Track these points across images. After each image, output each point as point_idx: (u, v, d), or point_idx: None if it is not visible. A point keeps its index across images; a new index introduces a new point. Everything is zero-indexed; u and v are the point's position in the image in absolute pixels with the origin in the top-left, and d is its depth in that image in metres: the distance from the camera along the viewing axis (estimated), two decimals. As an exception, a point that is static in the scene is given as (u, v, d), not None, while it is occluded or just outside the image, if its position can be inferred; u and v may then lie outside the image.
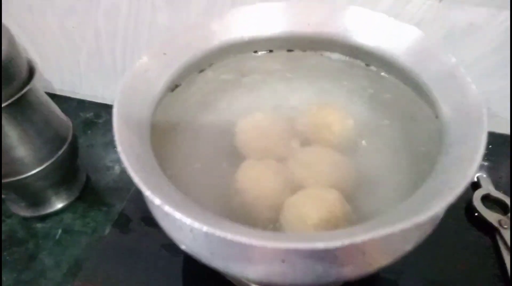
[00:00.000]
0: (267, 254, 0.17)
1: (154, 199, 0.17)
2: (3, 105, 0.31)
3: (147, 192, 0.17)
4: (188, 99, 0.29)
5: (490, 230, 0.31)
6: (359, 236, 0.15)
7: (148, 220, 0.33)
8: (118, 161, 0.37)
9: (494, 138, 0.40)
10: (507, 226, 0.31)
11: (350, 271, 0.18)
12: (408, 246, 0.19)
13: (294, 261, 0.17)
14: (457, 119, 0.21)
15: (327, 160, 0.25)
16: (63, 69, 0.51)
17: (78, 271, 0.33)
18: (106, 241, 0.34)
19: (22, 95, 0.32)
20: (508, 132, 0.40)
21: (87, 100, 0.54)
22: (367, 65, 0.30)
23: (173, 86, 0.28)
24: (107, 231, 0.34)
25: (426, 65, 0.24)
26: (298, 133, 0.27)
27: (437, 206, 0.16)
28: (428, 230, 0.20)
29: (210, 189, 0.24)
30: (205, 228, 0.16)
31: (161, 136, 0.25)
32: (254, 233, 0.16)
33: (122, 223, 0.36)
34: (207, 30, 0.28)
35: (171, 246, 0.23)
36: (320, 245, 0.15)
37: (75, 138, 0.39)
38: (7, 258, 0.36)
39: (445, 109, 0.22)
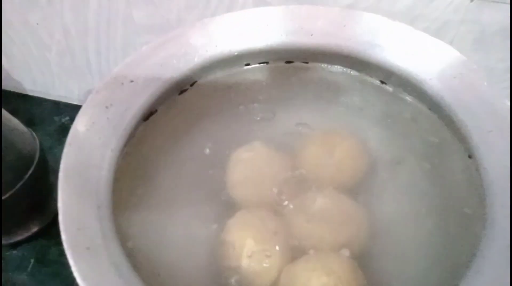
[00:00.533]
0: None
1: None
2: None
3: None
4: (165, 129, 0.24)
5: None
6: None
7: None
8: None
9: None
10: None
11: None
12: None
13: None
14: (503, 180, 0.16)
15: (336, 211, 0.20)
16: (32, 68, 0.46)
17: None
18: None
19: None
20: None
21: (62, 102, 0.48)
22: (383, 83, 0.24)
23: (147, 114, 0.23)
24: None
25: (462, 96, 0.19)
26: (300, 173, 0.23)
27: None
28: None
29: (192, 252, 0.19)
30: None
31: (129, 187, 0.20)
32: None
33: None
34: (186, 45, 0.22)
35: None
36: None
37: (43, 157, 0.34)
38: (-27, 297, 0.32)
39: (487, 162, 0.17)
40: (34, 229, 0.36)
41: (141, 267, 0.16)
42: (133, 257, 0.16)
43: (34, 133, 0.35)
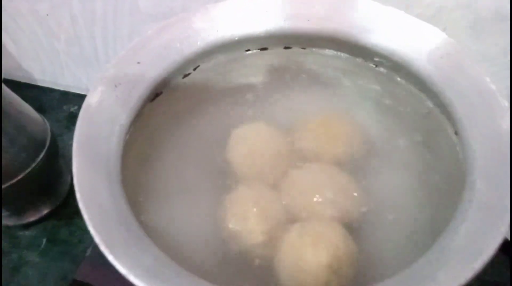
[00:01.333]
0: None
1: (117, 267, 0.14)
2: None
3: (110, 257, 0.14)
4: (170, 110, 0.25)
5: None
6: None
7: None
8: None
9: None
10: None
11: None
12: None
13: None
14: (484, 149, 0.18)
15: (330, 185, 0.22)
16: (41, 58, 0.47)
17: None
18: (93, 254, 0.32)
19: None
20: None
21: (71, 92, 0.50)
22: (376, 66, 0.26)
23: (153, 96, 0.24)
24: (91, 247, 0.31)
25: (448, 75, 0.21)
26: (297, 149, 0.24)
27: (461, 278, 0.13)
28: None
29: (194, 223, 0.21)
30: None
31: (136, 161, 0.22)
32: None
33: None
34: (188, 29, 0.24)
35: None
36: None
37: (54, 141, 0.36)
38: (-11, 271, 0.34)
39: (469, 133, 0.19)
40: (45, 210, 0.38)
41: (149, 230, 0.17)
42: (140, 220, 0.17)
43: (45, 119, 0.36)
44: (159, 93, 0.25)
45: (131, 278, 0.14)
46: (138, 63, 0.22)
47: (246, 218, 0.20)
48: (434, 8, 0.29)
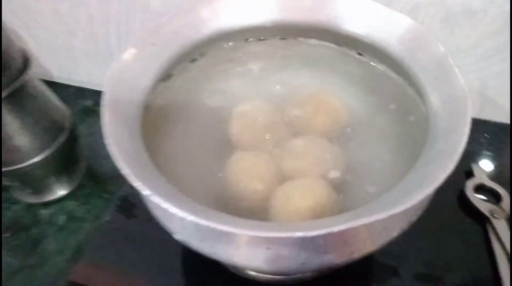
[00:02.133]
0: (251, 242, 0.18)
1: (143, 190, 0.17)
2: (-1, 96, 0.31)
3: (136, 183, 0.17)
4: (181, 89, 0.29)
5: (482, 219, 0.32)
6: (336, 226, 0.16)
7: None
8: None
9: (491, 127, 0.40)
10: (498, 216, 0.31)
11: (333, 258, 0.19)
12: (390, 235, 0.20)
13: (278, 248, 0.18)
14: (444, 112, 0.21)
15: (317, 151, 0.25)
16: (58, 55, 0.51)
17: (81, 257, 0.34)
18: (107, 226, 0.35)
19: (18, 85, 0.33)
20: (506, 120, 0.40)
21: (85, 88, 0.54)
22: (360, 54, 0.29)
23: (165, 76, 0.28)
24: (106, 217, 0.35)
25: (417, 55, 0.24)
26: (290, 122, 0.28)
27: (414, 199, 0.17)
28: (412, 218, 0.21)
29: (201, 180, 0.24)
30: (191, 218, 0.16)
31: (152, 126, 0.25)
32: (238, 222, 0.17)
33: (123, 207, 0.37)
34: (195, 18, 0.28)
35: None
36: (299, 234, 0.16)
37: (74, 127, 0.40)
38: (13, 243, 0.37)
39: (433, 101, 0.22)
40: (63, 192, 0.41)
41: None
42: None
43: (66, 105, 0.40)
44: (170, 75, 0.29)
45: (153, 198, 0.17)
46: (153, 44, 0.26)
47: (245, 172, 0.23)
48: (412, 4, 0.33)
